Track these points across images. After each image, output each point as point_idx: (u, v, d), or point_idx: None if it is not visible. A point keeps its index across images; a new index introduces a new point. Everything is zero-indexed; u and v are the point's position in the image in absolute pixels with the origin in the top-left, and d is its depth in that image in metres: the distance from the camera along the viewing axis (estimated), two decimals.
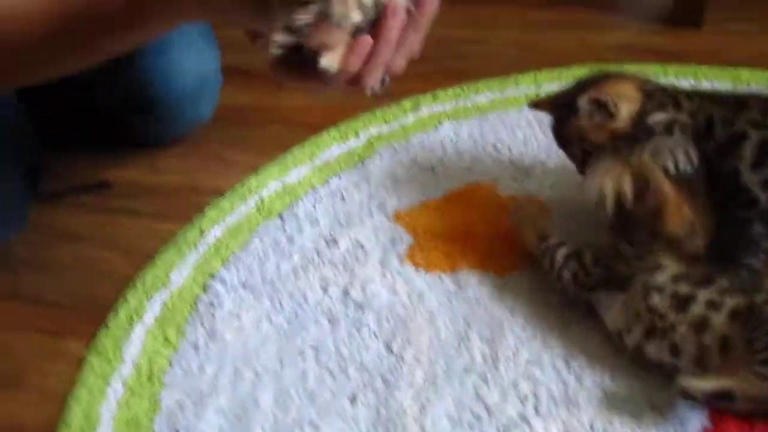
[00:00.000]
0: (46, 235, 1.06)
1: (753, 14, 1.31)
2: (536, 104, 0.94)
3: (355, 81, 0.67)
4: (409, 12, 0.67)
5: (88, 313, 0.93)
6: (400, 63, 0.70)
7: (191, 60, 1.09)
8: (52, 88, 1.11)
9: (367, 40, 0.64)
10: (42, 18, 0.71)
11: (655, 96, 0.83)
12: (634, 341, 0.74)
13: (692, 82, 1.15)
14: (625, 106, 0.83)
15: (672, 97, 0.83)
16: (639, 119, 0.82)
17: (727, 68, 1.16)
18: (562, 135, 0.89)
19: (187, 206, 1.06)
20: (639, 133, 0.81)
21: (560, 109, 0.90)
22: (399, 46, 0.68)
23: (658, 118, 0.81)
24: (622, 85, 0.84)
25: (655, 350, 0.73)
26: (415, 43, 0.70)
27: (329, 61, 0.64)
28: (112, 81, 1.08)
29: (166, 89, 1.08)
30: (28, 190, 1.03)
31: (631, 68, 1.16)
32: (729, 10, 1.31)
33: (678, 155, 0.77)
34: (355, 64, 0.65)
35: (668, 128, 0.80)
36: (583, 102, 0.84)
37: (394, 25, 0.65)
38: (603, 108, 0.83)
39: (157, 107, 1.09)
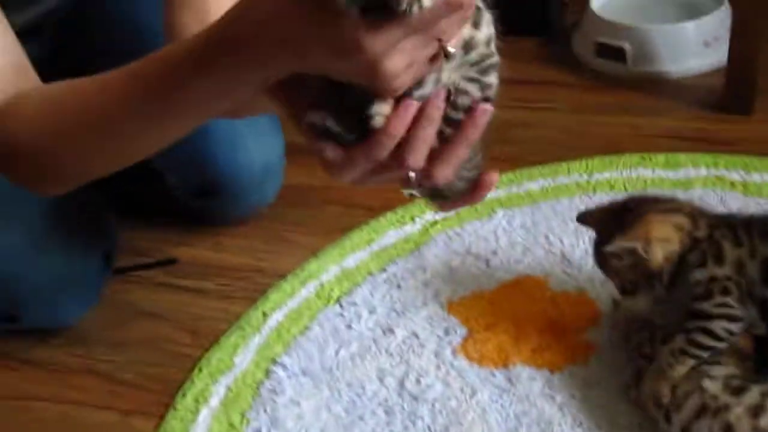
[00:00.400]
0: (118, 311, 1.13)
1: None
2: (583, 219, 0.95)
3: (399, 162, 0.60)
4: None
5: (158, 393, 0.99)
6: (444, 171, 0.63)
7: (258, 149, 1.15)
8: (127, 172, 1.20)
9: (412, 103, 0.58)
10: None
11: (698, 245, 0.82)
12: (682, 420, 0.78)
13: (742, 173, 1.17)
14: (661, 248, 0.82)
15: (716, 245, 0.81)
16: (678, 260, 0.82)
17: None
18: (599, 259, 0.90)
19: (251, 288, 1.12)
20: (678, 272, 0.82)
21: (600, 233, 0.90)
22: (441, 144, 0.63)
23: (698, 276, 0.81)
24: (661, 224, 0.83)
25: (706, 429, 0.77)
26: (460, 153, 0.65)
27: (379, 109, 0.57)
28: (184, 169, 1.15)
29: (234, 177, 1.14)
30: (104, 268, 1.09)
31: (682, 158, 1.20)
32: None
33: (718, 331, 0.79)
34: (397, 127, 0.58)
35: (708, 292, 0.80)
36: (616, 245, 0.84)
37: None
38: (635, 253, 0.82)
39: (224, 193, 1.16)
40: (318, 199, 1.28)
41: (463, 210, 1.18)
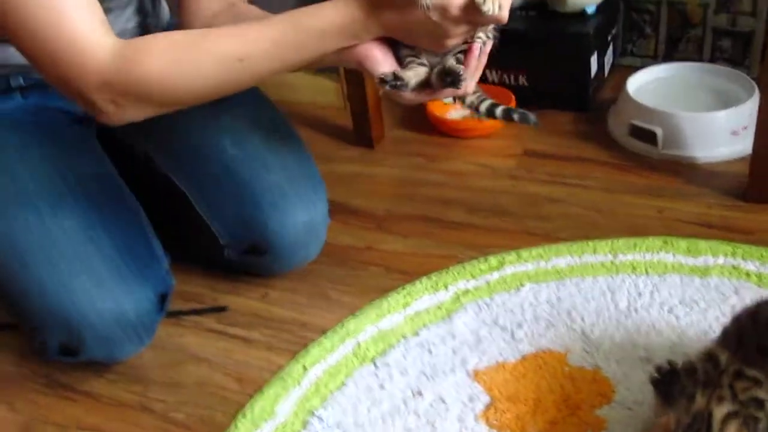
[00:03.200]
0: (171, 353, 1.24)
1: None
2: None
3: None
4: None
5: None
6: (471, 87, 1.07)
7: (302, 212, 1.24)
8: (186, 236, 1.31)
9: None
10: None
11: None
12: None
13: (758, 264, 1.24)
14: None
15: None
16: None
17: None
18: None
19: (293, 340, 1.22)
20: None
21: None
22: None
23: None
24: None
25: None
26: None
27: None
28: (234, 229, 1.26)
29: (279, 238, 1.24)
30: (159, 311, 1.19)
31: (702, 245, 1.28)
32: None
33: None
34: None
35: None
36: None
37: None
38: None
39: (270, 251, 1.26)
40: (359, 260, 1.38)
41: (493, 280, 1.27)
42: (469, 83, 1.05)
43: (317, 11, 0.98)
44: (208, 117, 1.27)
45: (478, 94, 1.15)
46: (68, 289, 1.09)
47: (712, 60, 1.82)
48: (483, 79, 1.79)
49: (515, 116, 1.16)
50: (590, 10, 1.73)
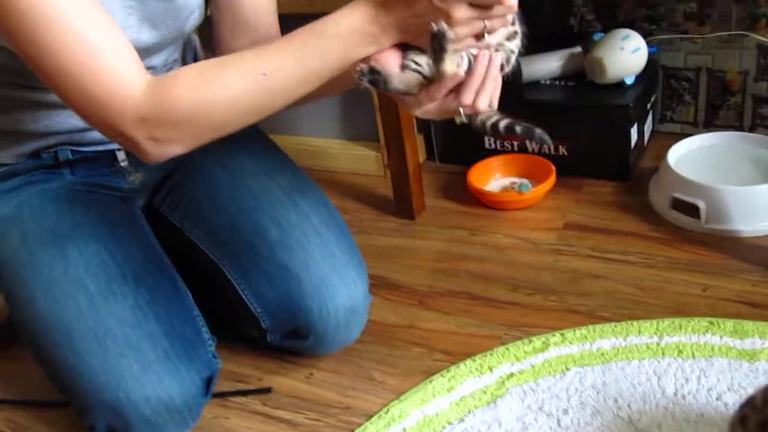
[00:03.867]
0: None
1: None
2: None
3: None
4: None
5: None
6: (483, 102, 0.99)
7: (344, 294, 1.25)
8: (230, 317, 1.33)
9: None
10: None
11: None
12: None
13: None
14: None
15: None
16: None
17: None
18: None
19: (338, 425, 1.23)
20: None
21: None
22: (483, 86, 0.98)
23: None
24: None
25: None
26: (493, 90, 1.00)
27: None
28: (277, 314, 1.27)
29: (321, 324, 1.25)
30: (204, 394, 1.21)
31: (749, 326, 1.26)
32: None
33: None
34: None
35: None
36: None
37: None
38: None
39: (312, 335, 1.27)
40: (402, 339, 1.38)
41: (538, 363, 1.27)
42: (480, 99, 0.98)
43: (335, 17, 0.97)
44: (248, 198, 1.30)
45: (492, 114, 1.09)
46: (116, 374, 1.11)
47: (753, 127, 1.82)
48: (523, 149, 1.81)
49: (536, 134, 1.10)
50: (629, 80, 1.74)
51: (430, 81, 0.98)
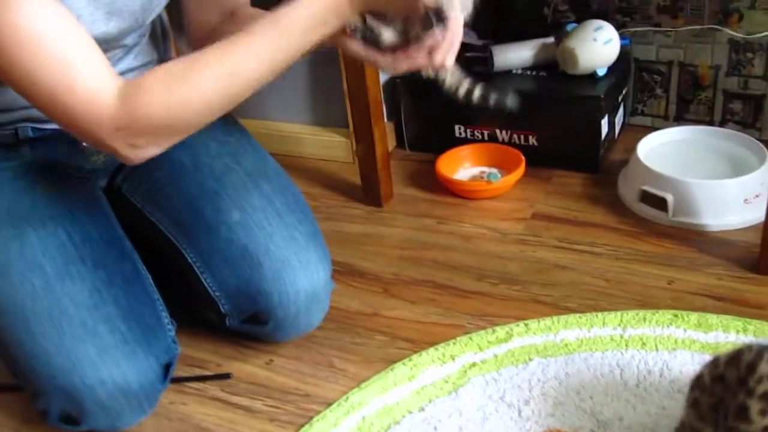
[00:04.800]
0: (173, 422, 1.22)
1: None
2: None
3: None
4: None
5: None
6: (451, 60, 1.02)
7: (303, 279, 1.22)
8: (189, 301, 1.30)
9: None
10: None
11: None
12: None
13: None
14: None
15: None
16: None
17: None
18: None
19: (297, 412, 1.21)
20: None
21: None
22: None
23: None
24: None
25: None
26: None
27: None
28: (237, 299, 1.25)
29: (281, 309, 1.22)
30: (163, 380, 1.18)
31: (713, 320, 1.26)
32: None
33: None
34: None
35: None
36: None
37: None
38: None
39: (272, 320, 1.24)
40: (365, 326, 1.36)
41: (501, 353, 1.26)
42: (449, 58, 1.01)
43: (296, 6, 0.97)
44: (210, 179, 1.27)
45: (457, 75, 1.11)
46: (72, 357, 1.08)
47: (723, 122, 1.82)
48: (493, 139, 1.80)
49: (491, 101, 1.13)
50: (601, 72, 1.73)
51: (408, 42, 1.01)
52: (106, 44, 1.09)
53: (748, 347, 0.91)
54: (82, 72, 0.95)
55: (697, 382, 0.94)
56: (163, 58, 1.32)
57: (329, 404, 1.20)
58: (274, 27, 0.98)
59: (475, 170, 1.76)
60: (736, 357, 0.90)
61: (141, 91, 0.97)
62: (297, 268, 1.22)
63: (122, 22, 1.12)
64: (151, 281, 1.22)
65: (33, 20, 0.92)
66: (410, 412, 1.17)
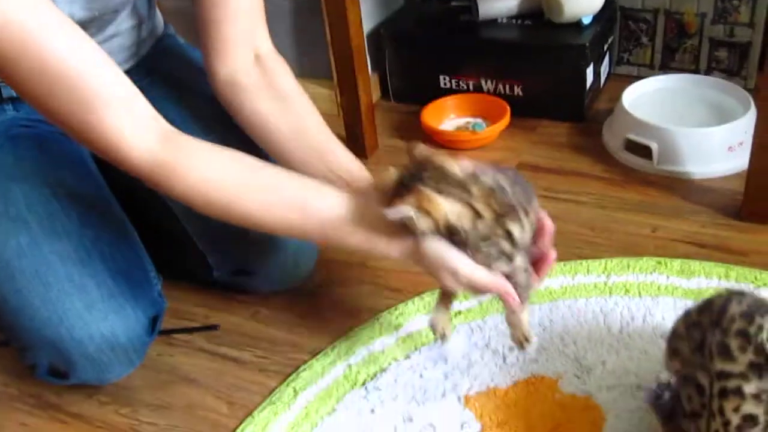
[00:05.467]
0: (162, 373, 1.23)
1: None
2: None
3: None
4: None
5: None
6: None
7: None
8: (176, 255, 1.30)
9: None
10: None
11: None
12: None
13: (751, 287, 1.24)
14: None
15: None
16: None
17: None
18: None
19: (285, 362, 1.22)
20: None
21: None
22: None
23: None
24: None
25: None
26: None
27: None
28: (224, 251, 1.25)
29: (269, 259, 1.23)
30: (150, 332, 1.18)
31: (696, 266, 1.27)
32: None
33: None
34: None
35: None
36: None
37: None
38: None
39: (259, 273, 1.25)
40: (352, 277, 1.37)
41: (487, 303, 1.27)
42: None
43: (347, 223, 0.99)
44: (198, 135, 1.25)
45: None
46: (59, 311, 1.08)
47: (709, 70, 1.81)
48: (478, 89, 1.79)
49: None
50: (586, 20, 1.72)
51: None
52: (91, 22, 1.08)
53: (718, 294, 0.93)
54: (113, 126, 0.95)
55: (674, 334, 0.96)
56: (148, 15, 1.30)
57: (316, 354, 1.22)
58: (315, 220, 0.99)
59: (461, 121, 1.76)
60: (707, 305, 0.92)
61: (185, 157, 0.99)
62: None
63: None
64: (137, 235, 1.21)
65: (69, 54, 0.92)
66: (396, 360, 1.18)
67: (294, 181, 1.02)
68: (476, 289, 0.99)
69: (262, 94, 1.14)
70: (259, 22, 1.16)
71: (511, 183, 0.95)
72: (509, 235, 0.92)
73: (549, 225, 1.05)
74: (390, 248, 0.98)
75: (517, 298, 0.99)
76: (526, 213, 0.96)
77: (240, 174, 1.01)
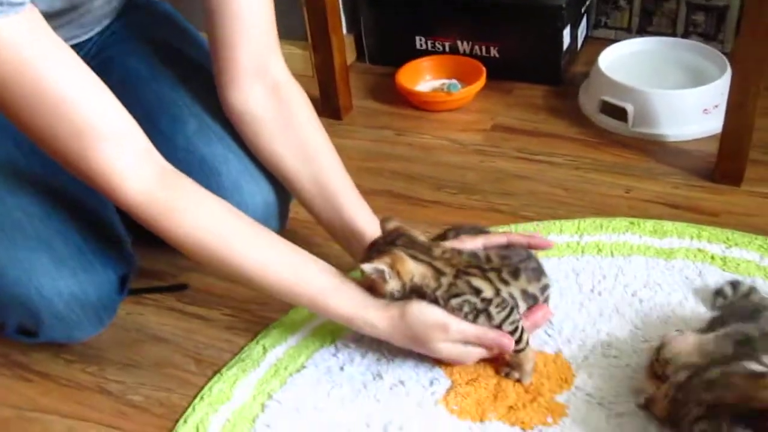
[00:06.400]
0: (130, 332, 1.22)
1: None
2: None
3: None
4: None
5: (162, 417, 1.08)
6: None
7: (263, 187, 1.21)
8: None
9: None
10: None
11: None
12: None
13: (723, 247, 1.24)
14: None
15: None
16: None
17: (757, 237, 1.25)
18: None
19: (254, 320, 1.21)
20: None
21: None
22: None
23: None
24: None
25: None
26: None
27: None
28: None
29: None
30: (119, 291, 1.17)
31: (669, 227, 1.27)
32: None
33: None
34: None
35: None
36: None
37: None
38: None
39: None
40: (323, 236, 1.34)
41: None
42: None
43: (339, 298, 1.05)
44: (166, 88, 1.24)
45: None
46: (27, 268, 1.06)
47: (686, 34, 1.80)
48: (454, 51, 1.77)
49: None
50: None
51: None
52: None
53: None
54: (107, 163, 0.96)
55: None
56: None
57: (286, 312, 1.20)
58: (306, 286, 1.04)
59: (436, 83, 1.74)
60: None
61: (184, 204, 1.01)
62: (257, 178, 1.20)
63: None
64: None
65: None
66: None
67: (287, 245, 1.06)
68: (467, 340, 1.02)
69: (278, 133, 1.15)
70: (274, 45, 1.16)
71: (500, 252, 1.05)
72: (477, 292, 1.00)
73: (544, 313, 1.08)
74: (378, 316, 1.02)
75: (511, 345, 1.02)
76: (512, 275, 1.03)
77: (238, 225, 1.04)
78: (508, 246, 1.08)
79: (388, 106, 1.72)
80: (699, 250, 1.24)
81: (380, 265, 0.99)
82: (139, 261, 1.21)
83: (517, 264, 1.04)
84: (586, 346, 1.10)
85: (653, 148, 1.50)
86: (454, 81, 1.69)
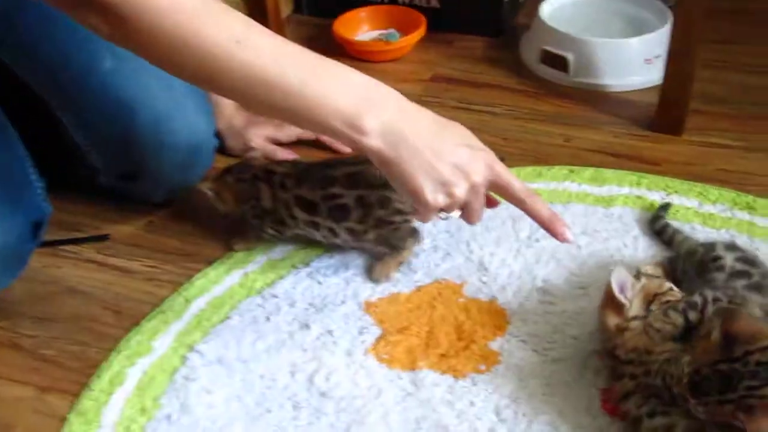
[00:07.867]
0: (46, 285, 1.15)
1: (731, 127, 1.37)
2: None
3: None
4: None
5: (77, 371, 1.02)
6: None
7: (183, 129, 1.14)
8: (58, 158, 1.21)
9: None
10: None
11: None
12: None
13: (662, 194, 1.21)
14: None
15: None
16: None
17: (696, 184, 1.23)
18: None
19: (177, 271, 1.15)
20: None
21: None
22: None
23: None
24: None
25: None
26: None
27: None
28: (107, 150, 1.16)
29: (157, 160, 1.15)
30: (31, 239, 1.10)
31: (608, 175, 1.24)
32: (710, 120, 1.38)
33: None
34: None
35: None
36: None
37: None
38: None
39: (147, 176, 1.17)
40: None
41: None
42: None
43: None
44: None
45: None
46: None
47: None
48: (393, 1, 1.72)
49: None
50: None
51: None
52: None
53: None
54: None
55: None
56: None
57: (211, 263, 1.15)
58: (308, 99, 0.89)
59: (375, 33, 1.68)
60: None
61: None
62: (176, 119, 1.14)
63: None
64: (17, 136, 1.11)
65: None
66: (295, 267, 1.13)
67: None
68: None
69: None
70: None
71: None
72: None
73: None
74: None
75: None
76: None
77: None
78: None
79: (326, 55, 1.65)
80: (638, 197, 1.21)
81: (204, 188, 1.13)
82: (58, 212, 1.14)
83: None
84: (521, 293, 1.07)
85: (594, 98, 1.47)
86: (392, 30, 1.64)
